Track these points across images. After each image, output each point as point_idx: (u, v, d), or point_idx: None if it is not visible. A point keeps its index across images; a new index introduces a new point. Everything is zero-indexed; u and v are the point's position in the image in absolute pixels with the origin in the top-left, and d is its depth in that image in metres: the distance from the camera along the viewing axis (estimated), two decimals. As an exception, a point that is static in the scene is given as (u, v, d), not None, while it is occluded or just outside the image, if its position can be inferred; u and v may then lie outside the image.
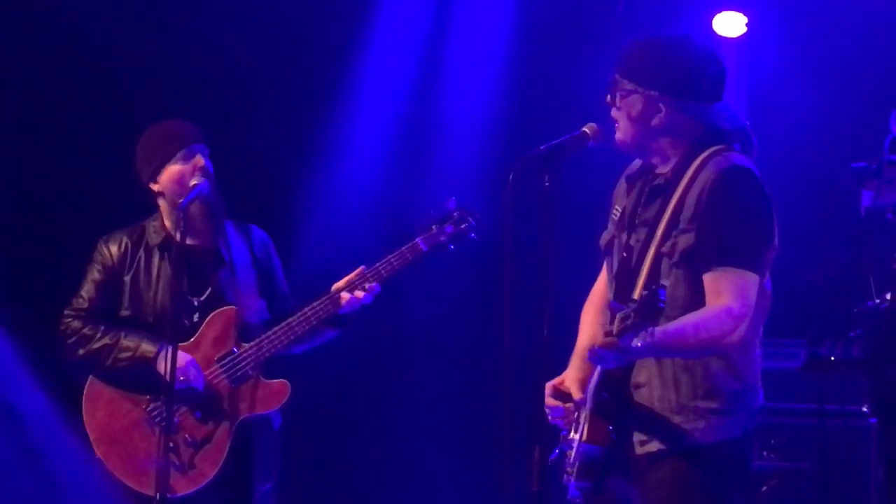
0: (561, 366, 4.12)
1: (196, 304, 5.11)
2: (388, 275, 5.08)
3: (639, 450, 3.90)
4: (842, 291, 5.89)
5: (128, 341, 5.06)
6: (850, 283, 5.76)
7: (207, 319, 5.09)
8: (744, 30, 7.02)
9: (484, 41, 7.31)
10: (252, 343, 5.06)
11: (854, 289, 5.63)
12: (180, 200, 4.94)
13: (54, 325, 5.17)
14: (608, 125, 4.03)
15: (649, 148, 4.04)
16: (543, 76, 7.21)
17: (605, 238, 4.17)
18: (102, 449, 5.07)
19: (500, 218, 3.84)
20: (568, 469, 3.95)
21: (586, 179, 5.08)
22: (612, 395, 3.90)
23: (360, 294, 5.04)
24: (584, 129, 3.96)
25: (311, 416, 6.62)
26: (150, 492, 4.81)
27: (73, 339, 5.12)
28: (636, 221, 4.03)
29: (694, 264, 3.86)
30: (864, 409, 5.91)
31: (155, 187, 5.15)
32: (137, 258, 5.17)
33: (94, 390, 5.12)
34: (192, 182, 5.02)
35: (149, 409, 5.05)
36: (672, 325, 3.78)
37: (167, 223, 5.19)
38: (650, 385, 3.89)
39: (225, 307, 5.09)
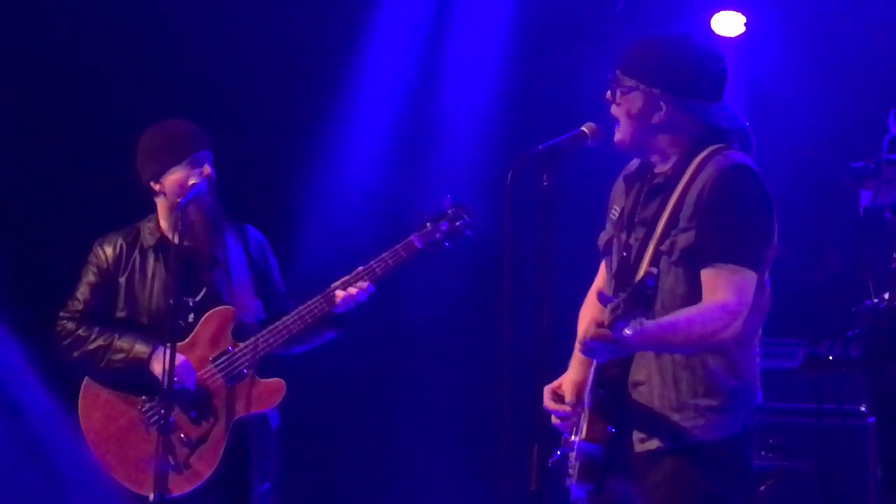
0: (560, 366, 4.12)
1: (191, 304, 5.11)
2: (382, 273, 5.07)
3: (638, 448, 3.89)
4: (840, 291, 5.89)
5: (122, 342, 5.06)
6: (849, 283, 5.76)
7: (202, 319, 5.09)
8: (742, 29, 7.03)
9: (483, 40, 7.32)
10: (247, 342, 5.06)
11: (853, 288, 5.64)
12: (179, 200, 4.96)
13: (51, 326, 5.19)
14: (607, 125, 4.03)
15: (649, 146, 4.03)
16: (542, 76, 7.21)
17: (603, 238, 4.17)
18: (98, 450, 5.08)
19: (499, 217, 3.84)
20: (570, 471, 3.95)
21: (585, 179, 5.08)
22: (610, 392, 3.90)
23: (353, 291, 5.03)
24: (583, 128, 3.96)
25: (309, 415, 6.63)
26: (146, 492, 4.82)
27: (68, 340, 5.13)
28: (635, 220, 4.02)
29: (694, 262, 3.86)
30: (863, 409, 5.91)
31: (156, 187, 5.15)
32: (132, 259, 5.18)
33: (90, 392, 5.13)
34: (191, 181, 5.04)
35: (144, 409, 5.05)
36: (665, 318, 3.79)
37: (163, 224, 5.19)
38: (650, 383, 3.89)
39: (220, 307, 5.10)
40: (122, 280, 5.16)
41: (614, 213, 4.13)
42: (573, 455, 3.94)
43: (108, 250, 5.20)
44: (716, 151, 3.96)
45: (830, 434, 5.91)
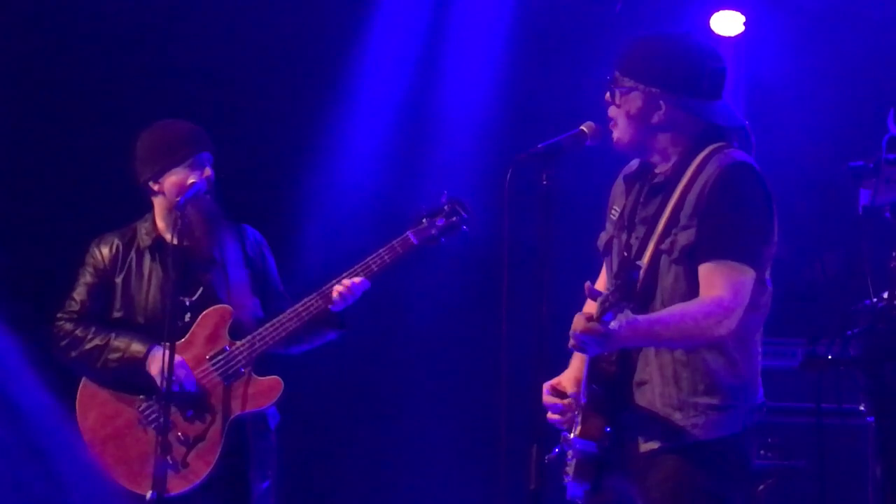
0: (559, 365, 4.11)
1: (188, 303, 5.11)
2: (378, 268, 5.07)
3: (641, 448, 3.89)
4: (839, 290, 5.89)
5: (118, 342, 5.07)
6: (848, 282, 5.76)
7: (199, 318, 5.09)
8: (741, 29, 7.03)
9: (482, 40, 7.31)
10: (244, 340, 5.06)
11: (851, 288, 5.64)
12: (178, 200, 4.96)
13: (49, 325, 5.19)
14: (606, 124, 4.02)
15: (649, 146, 4.02)
16: (541, 75, 7.21)
17: (603, 239, 4.16)
18: (96, 450, 5.07)
19: (498, 217, 3.84)
20: (567, 468, 3.95)
21: (585, 178, 5.08)
22: (605, 390, 3.90)
23: (347, 283, 5.02)
24: (582, 127, 3.94)
25: (308, 414, 6.63)
26: (144, 491, 4.82)
27: (66, 340, 5.14)
28: (636, 220, 4.01)
29: (694, 260, 3.85)
30: (862, 408, 5.91)
31: (154, 187, 5.15)
32: (129, 260, 5.18)
33: (87, 393, 5.14)
34: (190, 181, 5.04)
35: (142, 409, 5.06)
36: (658, 312, 3.79)
37: (160, 224, 5.19)
38: (651, 382, 3.89)
39: (217, 306, 5.10)
40: (119, 280, 5.16)
41: (614, 213, 4.12)
42: (570, 453, 3.94)
43: (105, 251, 5.20)
44: (717, 150, 3.95)
45: (829, 433, 5.91)
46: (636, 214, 4.02)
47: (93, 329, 5.11)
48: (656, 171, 4.03)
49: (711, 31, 6.99)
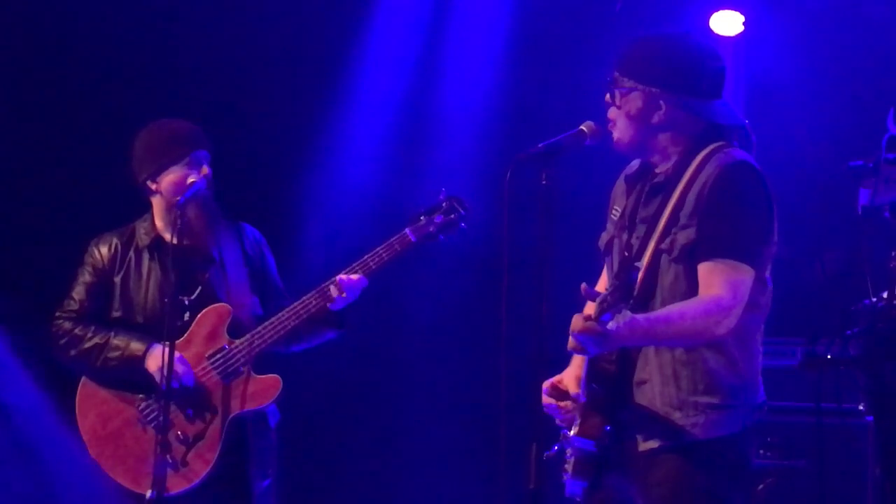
0: (558, 365, 4.11)
1: (187, 302, 5.11)
2: (377, 266, 5.06)
3: (641, 447, 3.89)
4: (839, 290, 5.89)
5: (117, 340, 5.07)
6: (848, 282, 5.76)
7: (198, 317, 5.09)
8: (741, 28, 7.03)
9: (482, 40, 7.31)
10: (243, 339, 5.06)
11: (851, 287, 5.64)
12: (177, 199, 4.96)
13: (47, 324, 5.19)
14: (606, 124, 4.03)
15: (649, 146, 4.02)
16: (541, 74, 7.21)
17: (604, 239, 4.16)
18: (96, 450, 5.08)
19: (498, 217, 3.84)
20: (566, 466, 3.95)
21: (585, 178, 5.08)
22: (605, 388, 3.90)
23: (344, 278, 5.02)
24: (582, 127, 3.95)
25: (309, 412, 6.64)
26: (143, 490, 4.82)
27: (65, 340, 5.14)
28: (636, 220, 4.02)
29: (694, 259, 3.85)
30: (861, 408, 5.92)
31: (153, 186, 5.15)
32: (127, 259, 5.18)
33: (87, 392, 5.13)
34: (190, 180, 5.04)
35: (141, 407, 5.06)
36: (657, 312, 3.79)
37: (158, 223, 5.19)
38: (651, 381, 3.89)
39: (216, 304, 5.10)
40: (118, 280, 5.16)
41: (615, 213, 4.12)
42: (570, 451, 3.94)
43: (104, 250, 5.20)
44: (717, 149, 3.95)
45: (829, 433, 5.91)
46: (637, 214, 4.02)
47: (92, 328, 5.11)
48: (657, 170, 4.03)
49: (711, 31, 6.99)
